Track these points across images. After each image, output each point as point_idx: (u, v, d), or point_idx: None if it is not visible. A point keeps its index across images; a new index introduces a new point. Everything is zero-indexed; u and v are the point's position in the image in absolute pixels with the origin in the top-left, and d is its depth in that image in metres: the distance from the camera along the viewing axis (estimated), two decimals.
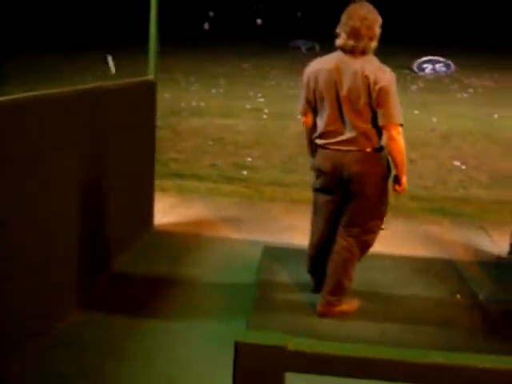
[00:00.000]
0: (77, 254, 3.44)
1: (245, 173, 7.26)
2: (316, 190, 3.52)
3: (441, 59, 17.64)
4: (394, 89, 3.22)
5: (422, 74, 17.30)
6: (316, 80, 3.33)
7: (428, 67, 17.47)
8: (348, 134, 3.28)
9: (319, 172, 3.44)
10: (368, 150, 3.29)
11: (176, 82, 14.18)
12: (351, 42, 3.23)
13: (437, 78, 16.96)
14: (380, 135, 3.30)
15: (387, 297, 3.85)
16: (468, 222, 5.47)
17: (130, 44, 20.86)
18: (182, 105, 11.44)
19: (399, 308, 3.71)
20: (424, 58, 17.62)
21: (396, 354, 1.07)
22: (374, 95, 3.19)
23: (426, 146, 8.81)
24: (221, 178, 6.92)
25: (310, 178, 6.98)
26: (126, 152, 4.04)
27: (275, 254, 4.35)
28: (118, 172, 3.93)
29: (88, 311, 3.44)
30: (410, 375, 1.01)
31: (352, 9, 3.29)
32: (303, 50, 21.44)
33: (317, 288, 3.62)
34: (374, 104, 3.21)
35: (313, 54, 18.54)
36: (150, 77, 4.50)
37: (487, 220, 5.61)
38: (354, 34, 3.22)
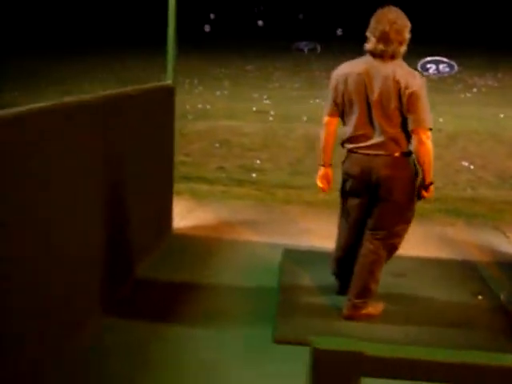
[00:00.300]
0: (100, 260, 3.45)
1: (254, 175, 7.28)
2: (344, 194, 3.54)
3: (444, 59, 17.61)
4: (424, 94, 3.24)
5: (425, 74, 17.29)
6: (345, 83, 3.35)
7: (431, 67, 17.45)
8: (377, 139, 3.31)
9: (347, 176, 3.46)
10: (396, 154, 3.31)
11: (179, 85, 14.21)
12: (381, 47, 3.26)
13: (440, 78, 16.97)
14: (408, 140, 3.32)
15: (409, 299, 3.87)
16: (482, 223, 5.49)
17: (130, 47, 20.88)
18: (187, 107, 11.45)
19: (421, 310, 3.74)
20: (427, 59, 17.58)
21: (480, 358, 1.09)
22: (404, 100, 3.21)
23: (434, 146, 8.84)
24: (230, 181, 6.94)
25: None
26: (145, 157, 4.06)
27: (295, 257, 4.37)
28: (138, 177, 3.95)
29: (113, 317, 3.44)
30: (497, 381, 1.03)
31: (381, 13, 3.31)
32: (305, 51, 21.46)
33: (342, 290, 3.64)
34: (404, 109, 3.23)
35: (315, 55, 18.52)
36: (169, 82, 4.52)
37: (501, 220, 5.64)
38: (384, 38, 3.24)
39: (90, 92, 13.08)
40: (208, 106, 11.69)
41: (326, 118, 3.51)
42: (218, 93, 13.46)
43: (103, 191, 3.44)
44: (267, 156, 8.34)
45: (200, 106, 11.68)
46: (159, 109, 4.38)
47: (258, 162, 7.97)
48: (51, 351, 2.88)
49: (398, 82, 3.21)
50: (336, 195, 6.15)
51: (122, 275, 3.80)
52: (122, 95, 3.79)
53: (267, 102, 12.60)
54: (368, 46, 3.32)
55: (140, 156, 3.93)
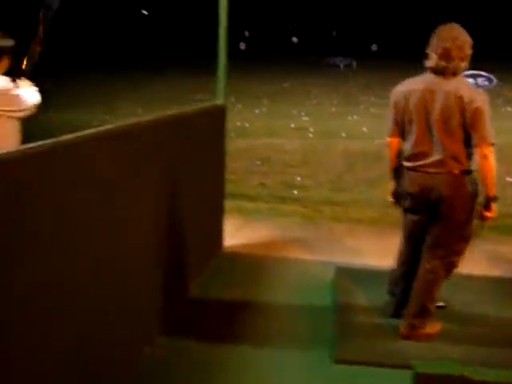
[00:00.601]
0: (158, 278, 3.48)
1: (295, 192, 7.29)
2: (404, 211, 3.55)
3: (482, 73, 17.44)
4: (487, 109, 3.23)
5: None
6: (406, 101, 3.36)
7: (470, 82, 17.32)
8: (436, 156, 3.30)
9: (407, 194, 3.46)
10: (456, 171, 3.29)
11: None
12: (442, 63, 3.27)
13: None
14: (469, 157, 3.31)
15: (464, 317, 3.82)
16: None
17: (165, 65, 21.17)
18: (228, 125, 11.53)
19: (478, 328, 3.69)
20: (465, 73, 17.43)
21: None
22: (468, 115, 3.20)
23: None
24: (273, 198, 6.95)
25: (363, 196, 7.03)
26: (199, 176, 4.11)
27: (348, 275, 4.35)
28: (193, 196, 4.00)
29: (169, 336, 3.46)
30: None
31: (442, 30, 3.32)
32: (341, 67, 21.51)
33: (396, 313, 3.60)
34: (467, 124, 3.22)
35: (351, 71, 18.41)
36: (220, 101, 4.58)
37: None
38: (446, 55, 3.25)
39: (131, 112, 13.19)
40: (247, 124, 11.75)
41: (388, 139, 3.52)
42: (256, 111, 13.52)
43: (160, 209, 3.48)
44: (307, 172, 8.35)
45: (239, 123, 11.75)
46: (212, 128, 4.45)
47: (299, 178, 7.98)
48: (110, 369, 2.90)
49: (461, 98, 3.20)
50: (384, 213, 6.15)
51: (177, 293, 3.83)
52: (178, 116, 3.84)
53: (306, 118, 12.62)
54: (429, 62, 3.32)
55: (194, 175, 3.98)
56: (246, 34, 25.08)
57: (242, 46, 24.23)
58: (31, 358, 2.18)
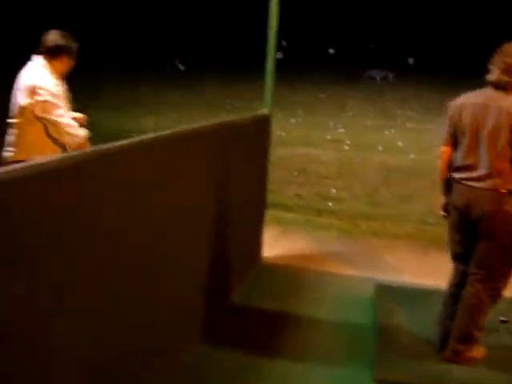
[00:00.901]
0: (202, 287, 3.48)
1: (330, 204, 7.25)
2: (450, 227, 3.50)
3: None
4: None
5: None
6: (460, 114, 3.35)
7: None
8: (483, 171, 3.26)
9: (453, 208, 3.42)
10: (502, 190, 3.22)
11: (253, 111, 14.30)
12: (505, 78, 3.25)
13: None
14: None
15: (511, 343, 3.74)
16: None
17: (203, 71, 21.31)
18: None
19: None
20: None
21: None
22: None
23: None
24: (309, 210, 6.92)
25: (399, 211, 6.95)
26: (244, 185, 4.11)
27: (388, 293, 4.30)
28: (236, 205, 3.99)
29: (209, 344, 3.46)
30: None
31: (507, 47, 3.31)
32: (377, 79, 21.41)
33: (443, 346, 3.49)
34: None
35: (388, 84, 18.04)
36: (265, 110, 4.58)
37: None
38: (508, 70, 3.24)
39: (172, 116, 13.14)
40: (283, 133, 11.74)
41: (442, 148, 3.50)
42: (292, 120, 13.50)
43: (207, 216, 3.49)
44: (343, 185, 8.30)
45: (277, 132, 11.75)
46: (257, 137, 4.45)
47: (334, 190, 7.94)
48: (150, 377, 2.89)
49: (511, 115, 3.16)
50: (421, 229, 6.08)
51: (218, 302, 3.83)
52: (227, 124, 3.85)
53: (342, 130, 12.56)
54: (491, 77, 3.30)
55: (240, 184, 3.98)
56: (284, 43, 25.12)
57: (279, 55, 24.33)
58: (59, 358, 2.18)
